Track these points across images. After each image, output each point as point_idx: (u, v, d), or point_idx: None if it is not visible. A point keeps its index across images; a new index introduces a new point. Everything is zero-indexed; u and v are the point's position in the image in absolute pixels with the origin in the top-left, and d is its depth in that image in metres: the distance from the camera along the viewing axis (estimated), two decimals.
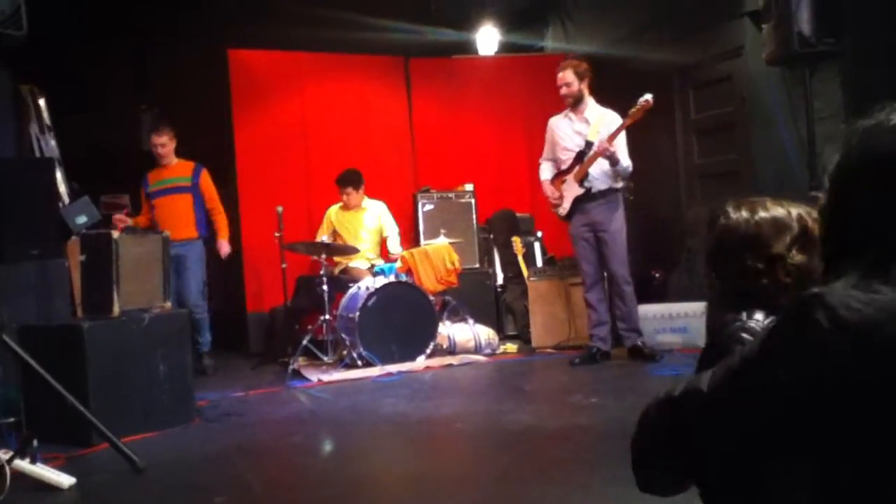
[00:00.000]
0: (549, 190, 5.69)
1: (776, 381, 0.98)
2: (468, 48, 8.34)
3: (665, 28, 6.71)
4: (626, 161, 5.40)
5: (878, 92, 4.96)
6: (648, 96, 5.14)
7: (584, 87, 5.52)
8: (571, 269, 6.51)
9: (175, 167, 6.33)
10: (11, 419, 3.88)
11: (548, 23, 8.44)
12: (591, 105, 5.57)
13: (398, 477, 3.34)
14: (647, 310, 5.84)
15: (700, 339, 5.79)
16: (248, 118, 7.18)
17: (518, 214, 7.60)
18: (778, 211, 1.42)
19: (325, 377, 5.57)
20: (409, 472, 3.40)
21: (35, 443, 3.29)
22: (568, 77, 5.51)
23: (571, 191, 5.54)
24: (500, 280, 7.28)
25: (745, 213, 1.46)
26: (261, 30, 7.09)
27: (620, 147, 5.39)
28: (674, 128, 7.00)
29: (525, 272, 6.58)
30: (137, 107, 7.96)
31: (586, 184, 5.46)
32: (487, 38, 8.32)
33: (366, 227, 6.70)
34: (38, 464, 3.30)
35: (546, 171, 5.77)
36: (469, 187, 7.43)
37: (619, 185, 5.54)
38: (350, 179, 6.60)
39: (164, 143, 6.24)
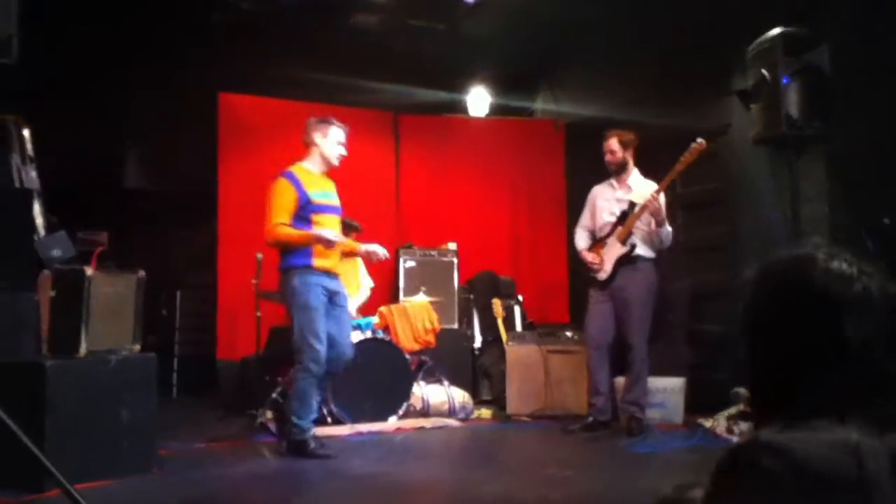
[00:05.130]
0: (588, 256, 5.58)
1: None
2: (458, 108, 8.41)
3: (654, 101, 6.78)
4: (668, 226, 5.38)
5: (863, 177, 5.02)
6: (700, 140, 5.14)
7: (627, 156, 5.58)
8: (551, 335, 6.46)
9: (328, 180, 4.96)
10: None
11: (538, 88, 8.54)
12: (634, 174, 5.62)
13: None
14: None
15: (677, 416, 5.74)
16: (234, 162, 7.14)
17: (500, 277, 7.56)
18: None
19: None
20: None
21: None
22: (613, 145, 5.56)
23: (613, 251, 5.46)
24: (478, 342, 7.19)
25: None
26: (252, 77, 7.10)
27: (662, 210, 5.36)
28: None
29: (504, 336, 6.50)
30: (124, 145, 7.91)
31: (630, 242, 5.41)
32: (478, 100, 8.39)
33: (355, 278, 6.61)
34: None
35: (582, 240, 5.72)
36: (452, 246, 7.39)
37: (652, 254, 5.50)
38: (356, 227, 6.34)
39: (345, 150, 4.90)
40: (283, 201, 4.64)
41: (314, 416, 4.70)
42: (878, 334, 1.06)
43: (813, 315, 1.06)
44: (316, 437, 4.68)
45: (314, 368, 4.56)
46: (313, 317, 4.58)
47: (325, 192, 4.82)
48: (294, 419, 4.61)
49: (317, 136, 4.84)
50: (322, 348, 4.57)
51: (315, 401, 4.68)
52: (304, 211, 4.67)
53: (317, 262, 4.65)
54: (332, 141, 4.83)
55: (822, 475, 0.93)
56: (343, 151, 4.85)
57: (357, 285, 6.55)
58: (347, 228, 6.43)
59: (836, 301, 1.06)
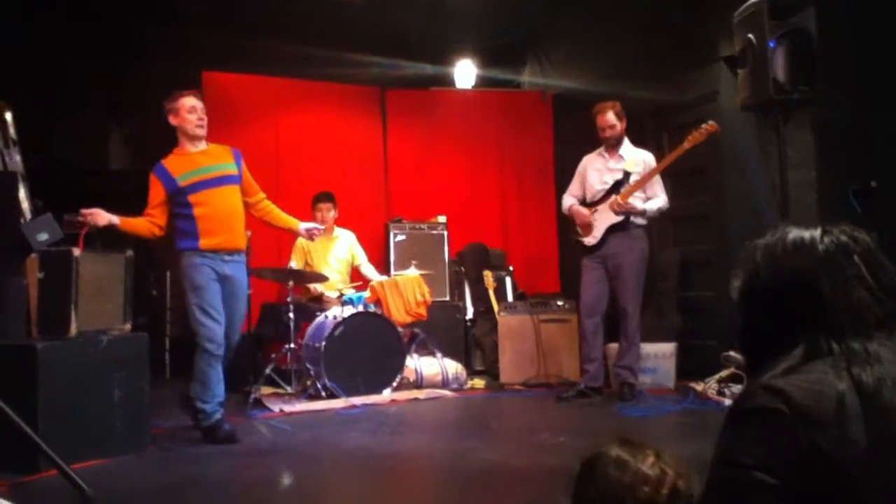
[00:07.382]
0: (580, 211, 5.57)
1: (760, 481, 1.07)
2: (445, 82, 8.36)
3: (641, 70, 6.76)
4: (663, 197, 5.46)
5: (848, 141, 5.02)
6: (712, 122, 5.18)
7: (623, 126, 5.56)
8: (542, 304, 6.48)
9: (212, 151, 4.69)
10: None
11: (525, 60, 8.50)
12: (626, 144, 5.60)
13: None
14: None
15: (668, 381, 5.78)
16: (219, 140, 7.04)
17: (490, 249, 7.57)
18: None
19: (288, 408, 5.44)
20: None
21: None
22: (611, 119, 5.52)
23: (605, 219, 5.46)
24: (469, 314, 7.21)
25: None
26: (237, 54, 7.03)
27: (658, 183, 5.44)
28: None
29: (495, 307, 6.52)
30: (107, 126, 7.85)
31: (622, 213, 5.41)
32: (465, 73, 8.35)
33: (335, 255, 6.61)
34: None
35: (569, 201, 5.72)
36: (442, 219, 7.39)
37: (644, 221, 5.51)
38: (326, 196, 6.55)
39: (202, 114, 4.60)
40: (149, 196, 4.53)
41: (219, 398, 4.45)
42: (853, 275, 1.20)
43: (790, 287, 1.22)
44: (225, 420, 4.48)
45: (210, 347, 4.37)
46: (202, 294, 4.39)
47: (200, 169, 4.52)
48: (198, 404, 4.42)
49: (171, 119, 4.59)
50: (215, 325, 4.38)
51: (218, 382, 4.42)
52: (179, 197, 4.46)
53: (203, 242, 4.45)
54: (182, 115, 4.54)
55: (809, 411, 1.07)
56: (198, 115, 4.55)
57: (327, 263, 6.55)
58: (322, 198, 6.50)
59: (805, 271, 1.21)
